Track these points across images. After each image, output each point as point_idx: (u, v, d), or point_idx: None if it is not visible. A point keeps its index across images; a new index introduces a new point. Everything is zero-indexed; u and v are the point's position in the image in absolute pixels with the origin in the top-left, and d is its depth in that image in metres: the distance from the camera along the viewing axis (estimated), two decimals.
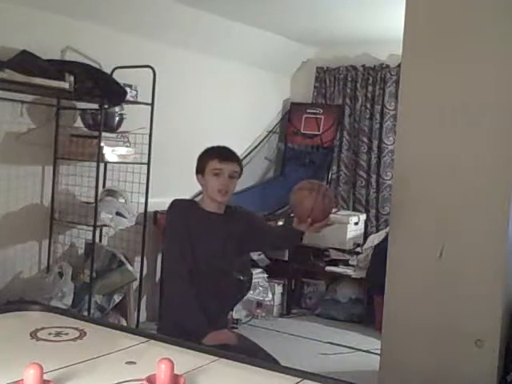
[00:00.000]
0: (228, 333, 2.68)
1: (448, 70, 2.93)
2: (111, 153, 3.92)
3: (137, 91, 4.15)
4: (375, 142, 5.55)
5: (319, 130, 5.75)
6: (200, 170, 2.72)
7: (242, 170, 2.74)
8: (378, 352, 3.28)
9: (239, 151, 5.51)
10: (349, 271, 5.17)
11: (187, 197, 4.92)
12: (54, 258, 4.09)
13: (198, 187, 5.04)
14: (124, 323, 4.07)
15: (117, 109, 4.04)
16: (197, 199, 2.95)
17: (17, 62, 3.39)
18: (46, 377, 1.38)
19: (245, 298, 4.84)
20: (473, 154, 2.86)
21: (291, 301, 5.33)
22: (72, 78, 3.58)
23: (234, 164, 2.71)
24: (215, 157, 2.71)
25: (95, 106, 3.87)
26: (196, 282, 2.58)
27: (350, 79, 5.71)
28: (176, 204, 2.78)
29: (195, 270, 2.60)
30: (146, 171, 4.17)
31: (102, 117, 3.80)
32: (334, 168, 5.77)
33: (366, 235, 5.49)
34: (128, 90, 4.02)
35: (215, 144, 2.77)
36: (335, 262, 5.29)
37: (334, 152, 5.75)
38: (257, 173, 5.85)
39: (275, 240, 3.01)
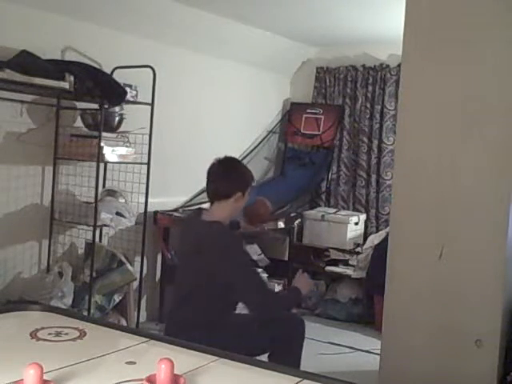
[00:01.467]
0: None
1: (448, 70, 2.92)
2: (111, 153, 3.91)
3: (137, 91, 4.15)
4: (375, 142, 5.55)
5: (319, 130, 5.75)
6: (244, 189, 2.68)
7: None
8: (378, 352, 3.28)
9: (239, 151, 5.57)
10: (349, 271, 5.17)
11: (186, 197, 4.96)
12: (53, 258, 4.08)
13: (196, 188, 5.06)
14: (124, 323, 4.07)
15: (117, 109, 4.04)
16: (217, 219, 2.70)
17: (17, 62, 3.39)
18: (46, 377, 1.38)
19: None
20: (473, 154, 2.86)
21: None
22: (72, 78, 3.58)
23: None
24: (253, 176, 2.80)
25: (95, 105, 3.87)
26: None
27: (350, 79, 5.71)
28: (238, 238, 2.80)
29: None
30: (146, 171, 4.17)
31: (102, 117, 3.80)
32: (334, 168, 5.77)
33: (365, 235, 5.48)
34: (128, 89, 4.02)
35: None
36: (335, 262, 5.29)
37: (334, 152, 5.75)
38: (257, 173, 5.84)
39: None
